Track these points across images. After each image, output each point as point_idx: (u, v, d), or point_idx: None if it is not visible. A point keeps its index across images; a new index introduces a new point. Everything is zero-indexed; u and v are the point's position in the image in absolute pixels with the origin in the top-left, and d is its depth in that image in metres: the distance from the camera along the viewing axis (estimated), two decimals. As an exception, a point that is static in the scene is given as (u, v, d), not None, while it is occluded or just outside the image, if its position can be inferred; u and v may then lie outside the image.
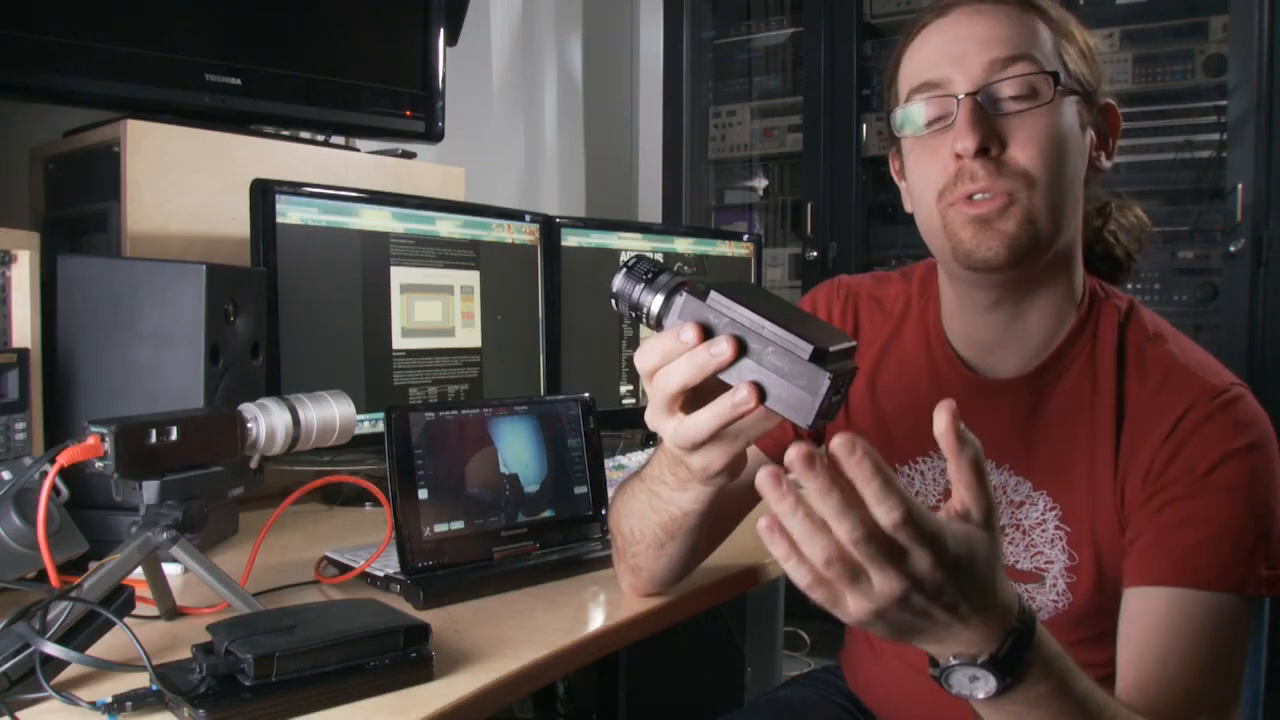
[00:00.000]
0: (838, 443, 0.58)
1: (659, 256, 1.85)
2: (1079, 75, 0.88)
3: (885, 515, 0.58)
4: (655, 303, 0.70)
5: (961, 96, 0.84)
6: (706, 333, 0.67)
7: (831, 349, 0.64)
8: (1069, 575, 0.89)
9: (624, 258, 0.72)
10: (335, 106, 1.60)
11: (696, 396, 0.70)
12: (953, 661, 0.64)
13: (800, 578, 0.60)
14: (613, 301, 0.73)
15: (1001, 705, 0.66)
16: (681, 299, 0.68)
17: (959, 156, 0.84)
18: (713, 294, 0.66)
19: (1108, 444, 0.88)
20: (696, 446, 0.72)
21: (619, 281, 0.72)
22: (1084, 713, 0.69)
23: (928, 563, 0.59)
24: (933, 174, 0.87)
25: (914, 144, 0.90)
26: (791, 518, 0.58)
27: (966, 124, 0.83)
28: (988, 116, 0.84)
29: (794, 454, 0.57)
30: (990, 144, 0.83)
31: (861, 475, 0.58)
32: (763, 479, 0.58)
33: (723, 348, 0.65)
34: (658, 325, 0.71)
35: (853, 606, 0.60)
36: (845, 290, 1.06)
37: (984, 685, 0.64)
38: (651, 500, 0.90)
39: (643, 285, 0.71)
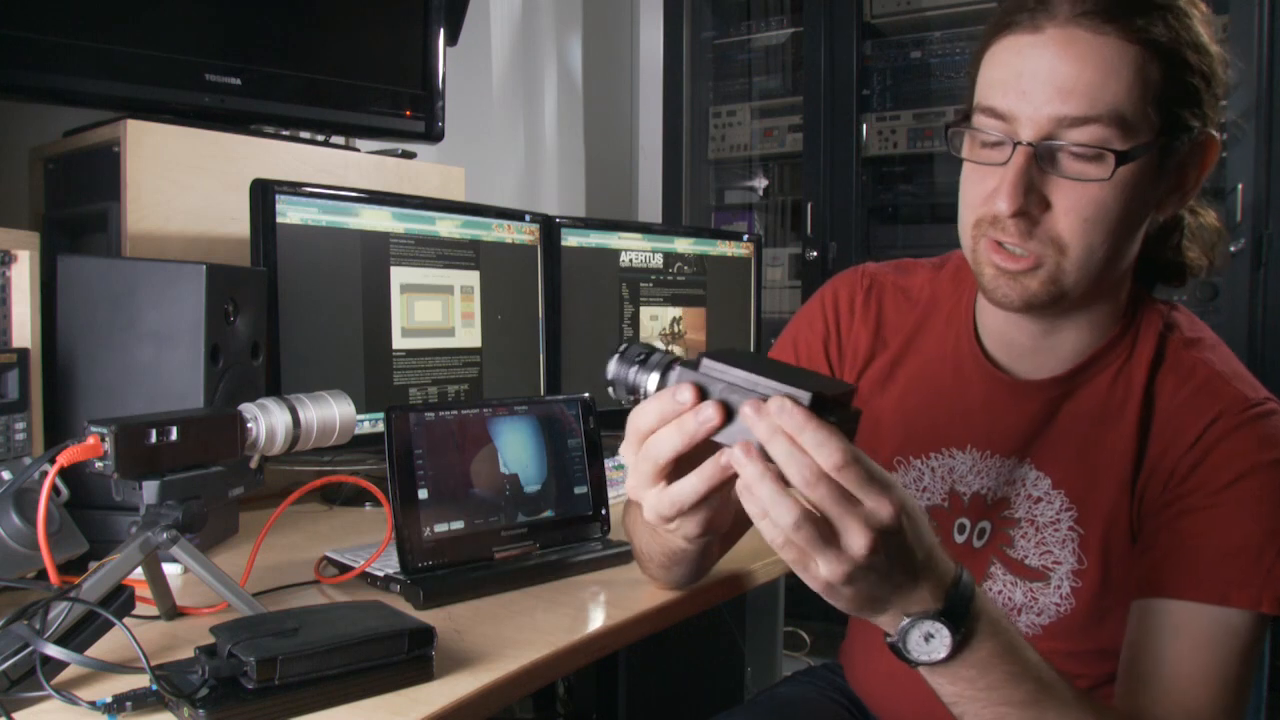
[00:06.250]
0: (773, 402, 0.62)
1: (659, 258, 1.85)
2: (1176, 119, 0.80)
3: (826, 458, 0.61)
4: (651, 381, 0.71)
5: (1020, 144, 0.79)
6: (703, 396, 0.66)
7: (831, 394, 0.63)
8: (1074, 579, 0.89)
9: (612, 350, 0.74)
10: (335, 106, 1.60)
11: (678, 469, 0.68)
12: (905, 620, 0.67)
13: (771, 535, 0.63)
14: (609, 389, 0.74)
15: (957, 670, 0.68)
16: (675, 372, 0.69)
17: None
18: (704, 360, 0.67)
19: (1131, 448, 0.86)
20: (677, 516, 0.70)
21: (613, 367, 0.73)
22: (1037, 681, 0.71)
23: (888, 508, 0.62)
24: (973, 200, 0.84)
25: (968, 160, 0.86)
26: (760, 482, 0.62)
27: (1010, 184, 0.79)
28: (1039, 173, 0.79)
29: (745, 408, 0.62)
30: (1030, 208, 0.80)
31: (793, 424, 0.61)
32: (736, 453, 0.63)
33: (709, 413, 0.65)
34: None
35: (824, 568, 0.62)
36: (869, 279, 1.04)
37: (940, 642, 0.67)
38: (652, 532, 0.93)
39: (637, 367, 0.72)
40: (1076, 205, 0.79)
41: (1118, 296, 0.90)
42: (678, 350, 1.90)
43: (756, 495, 0.62)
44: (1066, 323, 0.89)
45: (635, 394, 0.72)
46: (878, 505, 0.62)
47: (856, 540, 0.61)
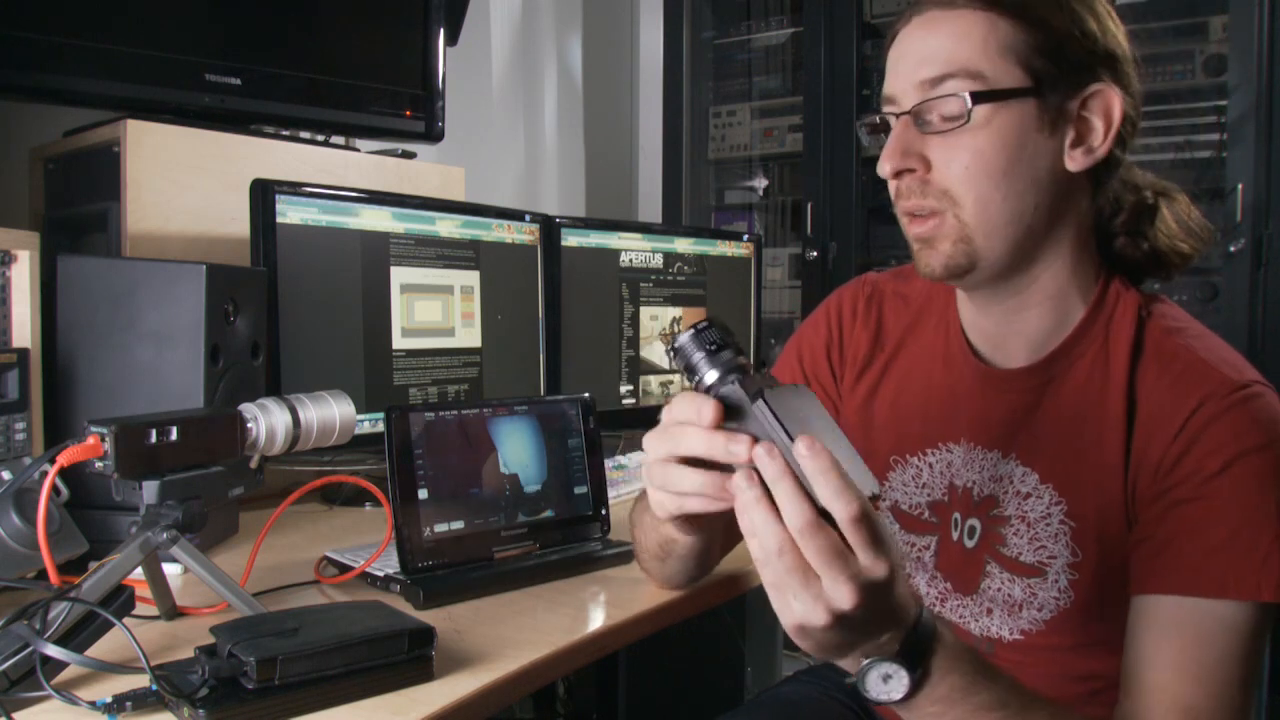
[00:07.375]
0: (801, 441, 0.61)
1: (659, 258, 1.86)
2: (1041, 72, 0.84)
3: (843, 507, 0.61)
4: (710, 377, 0.69)
5: (900, 115, 0.87)
6: (730, 414, 0.66)
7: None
8: (1072, 572, 0.88)
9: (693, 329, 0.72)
10: (335, 106, 1.60)
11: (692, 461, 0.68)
12: (864, 662, 0.66)
13: (756, 553, 0.63)
14: (670, 353, 0.73)
15: (921, 707, 0.68)
16: (729, 389, 0.67)
17: None
18: (759, 402, 0.65)
19: (1118, 438, 0.86)
20: (667, 493, 0.70)
21: (684, 339, 0.71)
22: (1004, 710, 0.70)
23: (883, 569, 0.62)
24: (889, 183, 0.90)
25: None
26: (755, 507, 0.62)
27: (887, 148, 0.87)
28: (918, 136, 0.86)
29: (759, 449, 0.62)
30: (910, 165, 0.86)
31: (819, 467, 0.61)
32: (739, 477, 0.63)
33: (740, 450, 0.64)
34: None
35: (799, 608, 0.62)
36: (871, 288, 1.09)
37: (898, 682, 0.66)
38: (650, 518, 0.95)
39: (705, 354, 0.69)
40: (953, 154, 0.85)
41: (1069, 270, 0.90)
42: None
43: (750, 516, 0.63)
44: (1023, 302, 0.91)
45: (692, 375, 0.70)
46: (873, 565, 0.61)
47: (842, 593, 0.61)
